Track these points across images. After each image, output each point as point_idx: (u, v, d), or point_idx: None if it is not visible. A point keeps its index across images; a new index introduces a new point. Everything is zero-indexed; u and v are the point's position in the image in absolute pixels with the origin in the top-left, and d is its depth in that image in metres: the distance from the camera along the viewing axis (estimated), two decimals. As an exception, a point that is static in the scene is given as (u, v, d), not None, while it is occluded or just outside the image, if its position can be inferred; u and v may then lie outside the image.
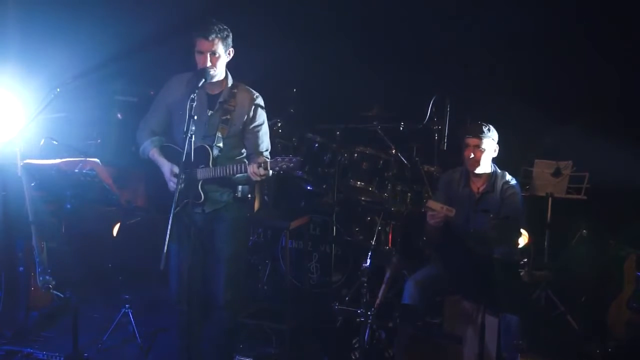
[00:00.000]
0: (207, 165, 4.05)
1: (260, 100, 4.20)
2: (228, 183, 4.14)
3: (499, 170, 4.66)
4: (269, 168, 3.91)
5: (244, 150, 4.23)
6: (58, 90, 4.40)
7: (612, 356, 4.83)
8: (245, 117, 4.15)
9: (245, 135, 4.18)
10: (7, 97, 4.96)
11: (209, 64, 3.99)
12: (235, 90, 4.15)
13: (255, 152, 4.17)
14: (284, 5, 6.46)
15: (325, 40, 6.31)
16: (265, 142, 4.22)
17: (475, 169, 4.60)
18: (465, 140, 4.60)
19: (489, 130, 4.55)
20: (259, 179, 3.95)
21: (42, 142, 5.12)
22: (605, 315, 5.03)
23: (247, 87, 4.20)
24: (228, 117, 4.11)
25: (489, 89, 5.99)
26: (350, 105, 6.08)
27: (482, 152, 4.54)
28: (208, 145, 4.07)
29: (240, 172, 4.03)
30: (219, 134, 4.09)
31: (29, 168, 4.39)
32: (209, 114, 4.11)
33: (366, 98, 6.02)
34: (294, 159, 3.90)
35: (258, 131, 4.19)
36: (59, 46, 5.77)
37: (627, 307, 4.85)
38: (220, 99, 4.13)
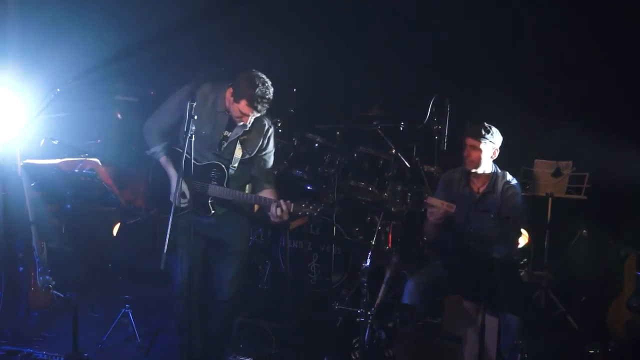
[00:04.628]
0: (221, 184, 4.13)
1: (272, 129, 4.31)
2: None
3: (500, 170, 4.65)
4: (292, 211, 4.01)
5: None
6: (58, 90, 4.41)
7: (612, 356, 4.82)
8: (260, 143, 4.25)
9: (256, 158, 4.27)
10: (8, 97, 4.96)
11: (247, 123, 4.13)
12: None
13: (261, 177, 4.28)
14: (284, 6, 6.46)
15: (325, 40, 6.31)
16: (270, 164, 4.33)
17: (472, 168, 4.60)
18: (464, 139, 4.60)
19: (490, 134, 4.52)
20: (278, 220, 4.04)
21: (42, 142, 5.12)
22: (605, 315, 5.02)
23: (266, 113, 4.24)
24: (245, 138, 4.20)
25: (489, 88, 5.98)
26: (350, 105, 6.08)
27: (478, 153, 4.53)
28: (224, 165, 4.14)
29: (260, 204, 4.16)
30: (236, 155, 4.16)
31: (29, 168, 4.40)
32: (226, 134, 4.17)
33: (366, 98, 6.02)
34: (318, 208, 4.01)
35: (268, 157, 4.31)
36: (58, 46, 5.77)
37: (627, 307, 4.85)
38: (240, 123, 4.17)
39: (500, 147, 4.61)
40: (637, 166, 5.45)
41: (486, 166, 4.60)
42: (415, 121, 5.52)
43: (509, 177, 4.63)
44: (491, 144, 4.53)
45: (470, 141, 4.54)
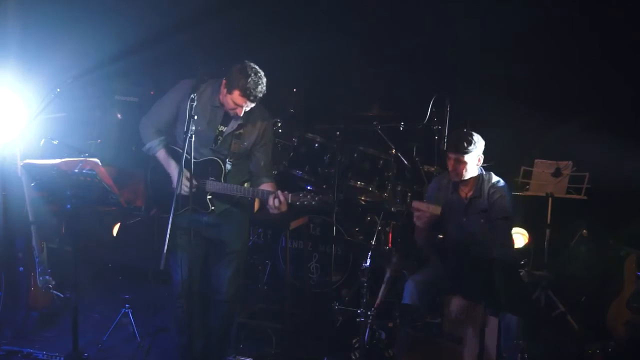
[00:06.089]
0: (219, 179, 4.12)
1: (268, 122, 4.28)
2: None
3: (485, 172, 4.59)
4: (289, 201, 4.00)
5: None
6: (58, 90, 4.41)
7: (612, 356, 4.82)
8: (256, 136, 4.23)
9: (253, 152, 4.25)
10: (8, 97, 4.96)
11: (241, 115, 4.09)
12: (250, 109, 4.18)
13: (259, 172, 4.25)
14: (284, 5, 6.46)
15: (325, 40, 6.31)
16: (269, 160, 4.30)
17: (458, 179, 4.55)
18: (448, 154, 4.56)
19: (472, 144, 4.43)
20: (276, 212, 4.03)
21: (42, 142, 5.12)
22: (605, 315, 5.02)
23: (261, 106, 4.22)
24: (240, 131, 4.18)
25: (489, 89, 5.98)
26: (350, 105, 6.08)
27: (463, 165, 4.47)
28: (220, 160, 4.13)
29: (258, 197, 4.17)
30: (232, 150, 4.16)
31: (29, 168, 4.38)
32: (222, 129, 4.17)
33: (366, 98, 6.02)
34: (316, 197, 3.99)
35: (266, 150, 4.28)
36: (59, 46, 5.77)
37: (627, 307, 4.85)
38: (234, 116, 4.16)
39: (501, 148, 4.59)
40: (637, 166, 5.45)
41: (472, 172, 4.57)
42: (415, 121, 5.53)
43: (494, 179, 4.56)
44: (474, 154, 4.47)
45: (454, 155, 4.49)
